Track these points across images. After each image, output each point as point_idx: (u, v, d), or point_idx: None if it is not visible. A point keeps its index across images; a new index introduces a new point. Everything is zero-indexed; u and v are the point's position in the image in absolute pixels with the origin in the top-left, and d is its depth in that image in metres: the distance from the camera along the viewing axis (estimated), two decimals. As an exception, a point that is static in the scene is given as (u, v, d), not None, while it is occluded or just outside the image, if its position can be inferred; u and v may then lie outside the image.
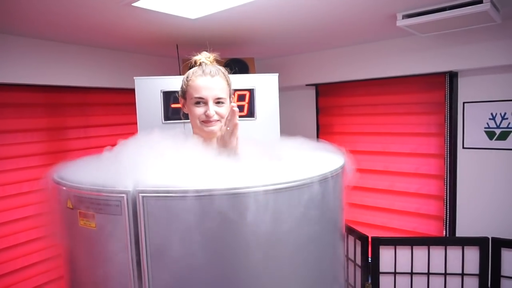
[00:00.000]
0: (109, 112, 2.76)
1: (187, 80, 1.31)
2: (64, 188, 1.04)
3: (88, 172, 1.07)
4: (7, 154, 2.21)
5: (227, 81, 1.32)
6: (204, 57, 1.33)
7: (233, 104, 1.16)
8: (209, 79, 1.29)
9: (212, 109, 1.27)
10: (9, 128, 2.22)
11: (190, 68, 1.34)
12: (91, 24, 1.90)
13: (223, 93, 1.30)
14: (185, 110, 1.35)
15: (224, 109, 1.30)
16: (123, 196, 0.92)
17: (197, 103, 1.27)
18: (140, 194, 0.91)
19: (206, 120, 1.27)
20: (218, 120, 1.29)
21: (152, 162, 1.03)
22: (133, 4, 1.58)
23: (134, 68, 2.70)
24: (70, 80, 2.37)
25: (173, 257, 0.92)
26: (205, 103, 1.27)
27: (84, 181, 1.01)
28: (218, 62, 1.36)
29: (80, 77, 2.42)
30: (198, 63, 1.33)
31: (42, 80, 2.23)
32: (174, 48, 2.39)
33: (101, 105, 2.72)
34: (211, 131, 1.28)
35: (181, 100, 1.35)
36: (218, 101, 1.29)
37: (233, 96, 1.37)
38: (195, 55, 1.35)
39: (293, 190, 0.97)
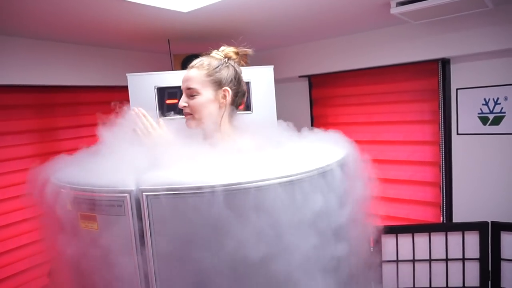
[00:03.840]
0: (101, 111, 2.71)
1: None
2: (62, 189, 1.01)
3: (87, 171, 1.03)
4: (-2, 157, 2.16)
5: (206, 72, 1.24)
6: (216, 50, 1.32)
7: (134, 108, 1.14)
8: (186, 72, 1.27)
9: (182, 100, 1.26)
10: (-1, 130, 2.16)
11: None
12: (80, 20, 1.85)
13: (194, 84, 1.23)
14: None
15: (196, 102, 1.24)
16: (125, 196, 0.90)
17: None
18: (144, 193, 0.89)
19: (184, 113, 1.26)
20: (190, 114, 1.25)
21: (154, 160, 1.00)
22: (123, -2, 1.54)
23: (126, 65, 2.65)
24: (60, 79, 2.31)
25: (180, 257, 0.90)
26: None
27: (83, 182, 0.98)
28: (242, 56, 1.34)
29: (70, 76, 2.36)
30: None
31: (30, 80, 2.17)
32: (166, 43, 2.35)
33: (93, 104, 2.66)
34: (188, 125, 1.25)
35: None
36: (189, 93, 1.24)
37: (227, 90, 1.26)
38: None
39: (298, 183, 0.96)
